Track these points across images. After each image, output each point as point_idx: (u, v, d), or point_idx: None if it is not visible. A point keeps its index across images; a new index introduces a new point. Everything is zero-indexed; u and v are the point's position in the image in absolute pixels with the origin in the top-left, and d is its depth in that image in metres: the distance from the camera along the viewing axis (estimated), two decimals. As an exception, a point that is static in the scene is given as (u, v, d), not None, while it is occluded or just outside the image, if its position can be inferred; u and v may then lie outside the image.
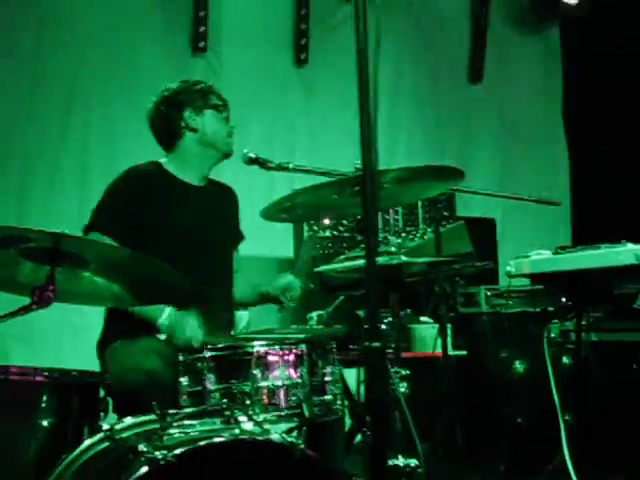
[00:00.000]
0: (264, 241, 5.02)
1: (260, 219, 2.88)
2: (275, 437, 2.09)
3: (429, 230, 3.82)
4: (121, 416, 2.54)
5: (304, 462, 2.03)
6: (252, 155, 3.10)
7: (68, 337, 4.70)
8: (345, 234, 4.42)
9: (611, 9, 6.03)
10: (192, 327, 2.86)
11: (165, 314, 2.86)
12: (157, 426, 2.18)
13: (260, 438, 2.10)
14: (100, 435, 2.27)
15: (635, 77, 5.65)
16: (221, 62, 5.53)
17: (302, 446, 2.04)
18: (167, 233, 3.11)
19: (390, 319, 2.98)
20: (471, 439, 4.24)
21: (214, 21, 5.50)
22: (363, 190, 1.67)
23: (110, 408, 2.91)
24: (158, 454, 1.91)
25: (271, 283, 3.34)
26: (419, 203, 4.66)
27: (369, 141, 1.72)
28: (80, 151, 5.12)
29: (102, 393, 2.90)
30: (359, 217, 2.60)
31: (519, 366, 4.70)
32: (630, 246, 3.18)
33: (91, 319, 3.35)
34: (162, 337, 2.87)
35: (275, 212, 2.70)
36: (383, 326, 2.48)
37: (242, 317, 4.03)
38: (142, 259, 2.41)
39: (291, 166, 3.04)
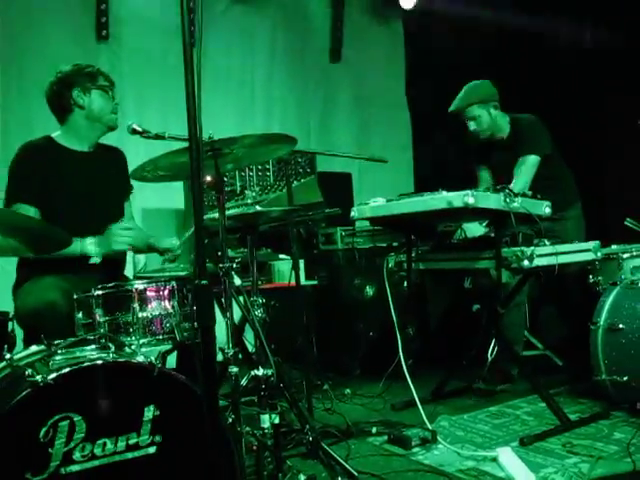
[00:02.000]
0: (164, 196, 4.98)
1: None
2: (140, 359, 2.08)
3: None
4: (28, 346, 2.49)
5: (163, 379, 2.04)
6: (134, 127, 3.04)
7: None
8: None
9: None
10: (119, 235, 2.93)
11: (89, 243, 2.89)
12: (46, 353, 2.16)
13: (126, 360, 2.10)
14: (2, 364, 2.22)
15: (456, 55, 5.75)
16: (122, 48, 5.35)
17: (160, 365, 2.04)
18: (64, 193, 3.06)
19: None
20: (331, 351, 4.33)
21: (114, 11, 5.30)
22: (190, 154, 1.65)
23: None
24: (39, 377, 1.88)
25: (159, 239, 3.33)
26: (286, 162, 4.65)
27: (194, 112, 1.69)
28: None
29: (11, 328, 2.89)
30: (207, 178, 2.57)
31: (369, 290, 4.80)
32: (444, 194, 3.23)
33: (11, 267, 3.22)
34: (96, 260, 2.88)
35: (141, 173, 2.65)
36: (234, 264, 2.47)
37: (140, 259, 3.99)
38: (31, 220, 2.38)
39: (167, 135, 2.97)
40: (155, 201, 5.09)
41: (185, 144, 2.81)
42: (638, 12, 4.77)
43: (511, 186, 3.55)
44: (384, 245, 4.81)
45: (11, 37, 4.89)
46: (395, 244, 4.76)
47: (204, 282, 1.61)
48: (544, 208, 3.31)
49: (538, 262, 3.20)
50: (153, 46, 5.48)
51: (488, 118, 4.13)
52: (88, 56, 5.08)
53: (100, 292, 2.47)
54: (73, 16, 5.18)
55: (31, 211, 2.95)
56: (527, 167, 4.00)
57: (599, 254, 3.45)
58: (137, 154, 3.42)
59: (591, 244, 3.46)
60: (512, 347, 3.87)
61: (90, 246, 2.91)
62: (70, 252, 2.76)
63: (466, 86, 4.19)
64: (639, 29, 4.70)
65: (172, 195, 5.08)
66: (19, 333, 2.87)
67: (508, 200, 3.16)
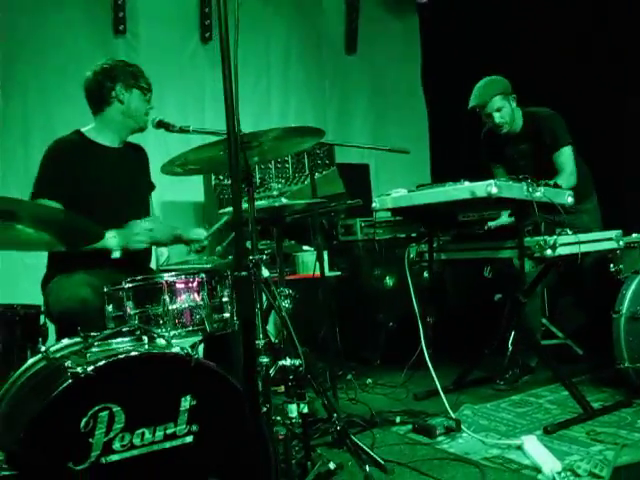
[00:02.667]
0: (181, 189, 5.00)
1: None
2: (176, 350, 2.11)
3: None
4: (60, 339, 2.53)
5: (199, 369, 2.07)
6: (160, 120, 3.07)
7: (21, 276, 4.57)
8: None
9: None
10: (136, 232, 2.96)
11: (110, 237, 2.89)
12: (82, 346, 2.20)
13: (164, 351, 2.13)
14: (38, 356, 2.26)
15: (471, 48, 5.74)
16: (139, 42, 5.37)
17: (197, 356, 2.07)
18: (96, 188, 3.09)
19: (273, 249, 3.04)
20: (351, 341, 4.35)
21: (131, 6, 5.32)
22: (229, 149, 1.66)
23: (53, 334, 2.96)
24: (80, 369, 1.92)
25: (186, 230, 3.36)
26: (305, 153, 4.68)
27: (232, 109, 1.71)
28: (21, 123, 4.93)
29: (43, 321, 2.93)
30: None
31: (389, 281, 4.83)
32: (467, 184, 3.25)
33: (40, 260, 3.26)
34: (116, 255, 2.89)
35: (171, 167, 2.68)
36: (264, 256, 2.50)
37: (163, 252, 4.02)
38: (64, 214, 2.41)
39: (191, 129, 2.99)
40: (173, 194, 5.11)
41: (211, 138, 2.89)
42: None
43: (559, 181, 3.59)
44: (403, 236, 4.83)
45: (28, 32, 4.93)
46: (414, 235, 4.77)
47: (244, 274, 1.63)
48: (567, 197, 3.32)
49: (561, 251, 3.22)
50: (170, 40, 5.51)
51: (510, 110, 4.13)
52: (105, 50, 5.14)
53: (130, 285, 2.50)
54: (90, 11, 5.20)
55: (55, 206, 2.95)
56: (567, 158, 4.03)
57: (621, 243, 3.46)
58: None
59: (613, 233, 3.47)
60: (533, 336, 3.89)
61: (111, 240, 2.92)
62: (92, 246, 2.79)
63: (481, 82, 4.16)
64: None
65: (190, 188, 5.11)
66: (50, 326, 2.91)
67: (531, 189, 3.18)
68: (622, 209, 4.47)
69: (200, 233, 3.28)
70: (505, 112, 4.11)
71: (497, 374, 4.03)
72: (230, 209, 3.30)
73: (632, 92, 4.72)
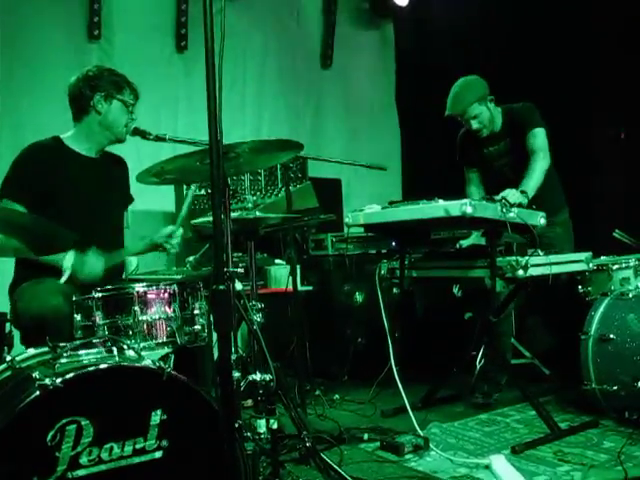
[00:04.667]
0: (151, 198, 4.94)
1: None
2: (148, 362, 2.07)
3: (283, 189, 3.83)
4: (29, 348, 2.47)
5: (171, 383, 2.03)
6: (134, 127, 3.05)
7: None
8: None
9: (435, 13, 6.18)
10: (91, 265, 2.87)
11: (67, 258, 2.76)
12: (50, 356, 2.14)
13: (135, 364, 2.08)
14: (4, 365, 2.20)
15: (445, 64, 5.79)
16: (113, 48, 5.32)
17: (169, 369, 2.03)
18: (67, 197, 3.03)
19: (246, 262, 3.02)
20: (319, 356, 4.33)
21: (107, 12, 5.27)
22: (210, 158, 1.64)
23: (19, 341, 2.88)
24: (48, 380, 1.87)
25: (157, 233, 3.32)
26: (278, 167, 4.66)
27: (215, 116, 1.68)
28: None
29: (9, 329, 2.86)
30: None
31: (358, 296, 4.81)
32: (441, 202, 3.25)
33: (5, 265, 3.19)
34: (63, 279, 2.80)
35: (147, 177, 2.64)
36: (239, 269, 2.47)
37: (132, 262, 3.97)
38: (33, 219, 2.35)
39: (167, 137, 2.96)
40: (143, 203, 5.04)
41: (185, 147, 2.86)
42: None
43: (535, 164, 3.72)
44: (374, 252, 4.83)
45: (2, 34, 4.85)
46: (384, 251, 4.78)
47: (222, 287, 1.60)
48: (539, 219, 3.35)
49: (532, 272, 3.24)
50: (145, 47, 5.46)
51: (488, 114, 4.06)
52: (79, 55, 5.11)
53: (100, 294, 2.46)
54: (66, 14, 5.14)
55: (18, 208, 2.88)
56: (541, 140, 3.95)
57: (591, 265, 3.50)
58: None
59: (583, 255, 3.51)
60: (504, 356, 3.91)
61: (66, 260, 2.76)
62: (47, 259, 2.74)
63: (457, 85, 4.08)
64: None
65: (161, 198, 5.05)
66: (16, 333, 2.85)
67: (505, 210, 3.19)
68: (590, 225, 4.51)
69: (170, 229, 3.24)
70: (483, 117, 4.04)
71: (473, 389, 4.03)
72: (202, 219, 3.31)
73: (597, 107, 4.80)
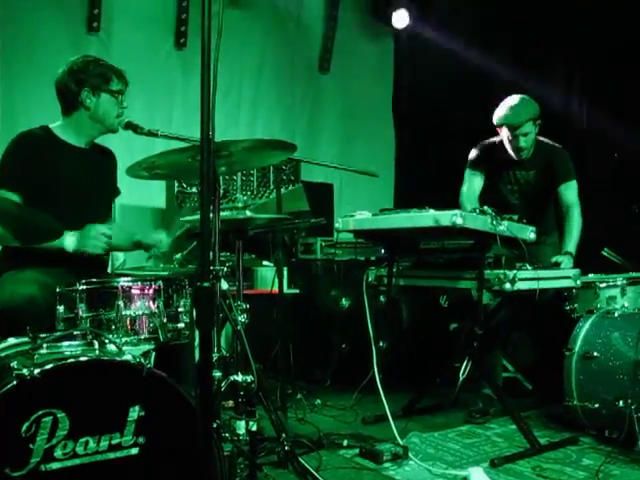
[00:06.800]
0: (142, 194, 4.93)
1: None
2: (128, 358, 2.05)
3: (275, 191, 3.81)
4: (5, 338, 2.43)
5: (151, 379, 2.01)
6: (127, 120, 3.02)
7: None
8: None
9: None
10: (95, 238, 2.83)
11: (68, 238, 2.78)
12: (30, 347, 2.11)
13: (115, 358, 2.06)
14: (-19, 356, 2.17)
15: (444, 75, 5.81)
16: (112, 41, 5.31)
17: (149, 365, 2.01)
18: (56, 187, 2.99)
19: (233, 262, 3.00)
20: (302, 360, 4.31)
21: (107, 4, 5.27)
22: (201, 154, 1.62)
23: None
24: (26, 371, 1.84)
25: (145, 234, 3.28)
26: (271, 168, 4.65)
27: (208, 114, 1.66)
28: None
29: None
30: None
31: (345, 302, 4.79)
32: (432, 212, 3.25)
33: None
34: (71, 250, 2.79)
35: (137, 170, 2.62)
36: (225, 268, 2.46)
37: (118, 257, 3.94)
38: (23, 208, 2.33)
39: (159, 132, 2.93)
40: (133, 198, 5.03)
41: (178, 143, 2.84)
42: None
43: (574, 219, 3.96)
44: (362, 259, 4.82)
45: (1, 25, 4.82)
46: (373, 258, 4.77)
47: (206, 284, 1.59)
48: (529, 233, 3.35)
49: (520, 285, 3.24)
50: (144, 42, 5.47)
51: (534, 136, 4.08)
52: (77, 47, 5.07)
53: (85, 287, 2.43)
54: (65, 5, 5.14)
55: (14, 198, 2.85)
56: (575, 193, 4.07)
57: (579, 282, 3.50)
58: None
59: (571, 272, 3.51)
60: (492, 372, 3.91)
61: (67, 240, 2.80)
62: (48, 245, 2.71)
63: (517, 100, 4.07)
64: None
65: (152, 193, 5.05)
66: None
67: (495, 223, 3.19)
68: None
69: (159, 238, 3.20)
70: (530, 138, 4.05)
71: (471, 407, 3.99)
72: (191, 217, 3.28)
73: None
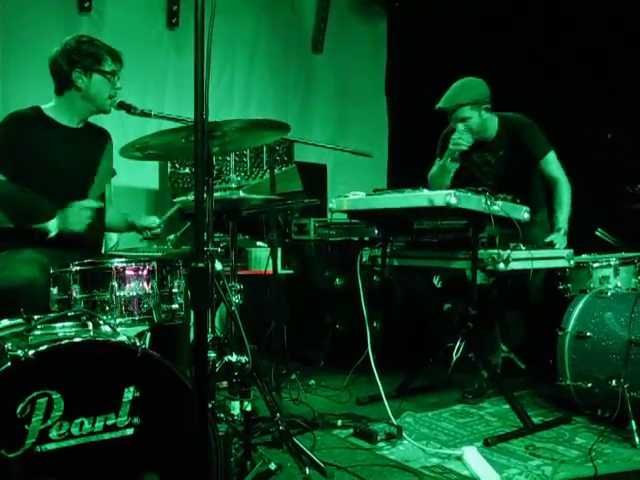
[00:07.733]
0: (136, 175, 4.90)
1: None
2: (122, 338, 2.04)
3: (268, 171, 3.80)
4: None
5: (145, 360, 2.01)
6: (120, 101, 3.00)
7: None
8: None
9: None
10: (76, 214, 2.80)
11: (51, 222, 2.74)
12: (24, 328, 2.11)
13: (110, 339, 2.06)
14: (-23, 337, 2.16)
15: (437, 55, 5.78)
16: (104, 21, 5.26)
17: (144, 346, 2.01)
18: (47, 168, 2.96)
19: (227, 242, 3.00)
20: (296, 341, 4.31)
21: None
22: (195, 135, 1.61)
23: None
24: (20, 352, 1.84)
25: (139, 217, 3.27)
26: (265, 149, 4.64)
27: (201, 95, 1.65)
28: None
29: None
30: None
31: (339, 283, 4.79)
32: (425, 192, 3.25)
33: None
34: (51, 234, 2.76)
35: (130, 150, 2.60)
36: (219, 249, 2.45)
37: (112, 237, 3.94)
38: (17, 189, 2.31)
39: (153, 113, 2.91)
40: (126, 179, 5.00)
41: (170, 124, 2.82)
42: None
43: (562, 194, 3.89)
44: (356, 239, 4.81)
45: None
46: (367, 239, 4.76)
47: (200, 265, 1.58)
48: (523, 213, 3.35)
49: (514, 265, 3.25)
50: (136, 22, 5.43)
51: (478, 120, 3.96)
52: (68, 27, 5.03)
53: (78, 268, 2.42)
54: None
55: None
56: (556, 163, 3.98)
57: (572, 262, 3.50)
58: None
59: (565, 252, 3.51)
60: (488, 353, 3.91)
61: (51, 222, 2.76)
62: (36, 227, 2.69)
63: (458, 82, 3.97)
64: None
65: (145, 175, 5.02)
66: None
67: (489, 202, 3.19)
68: (572, 222, 4.51)
69: (153, 221, 3.20)
70: (472, 122, 3.94)
71: (466, 388, 3.99)
72: (184, 198, 3.27)
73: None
